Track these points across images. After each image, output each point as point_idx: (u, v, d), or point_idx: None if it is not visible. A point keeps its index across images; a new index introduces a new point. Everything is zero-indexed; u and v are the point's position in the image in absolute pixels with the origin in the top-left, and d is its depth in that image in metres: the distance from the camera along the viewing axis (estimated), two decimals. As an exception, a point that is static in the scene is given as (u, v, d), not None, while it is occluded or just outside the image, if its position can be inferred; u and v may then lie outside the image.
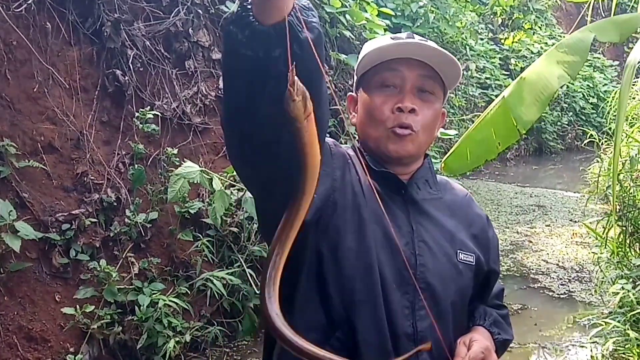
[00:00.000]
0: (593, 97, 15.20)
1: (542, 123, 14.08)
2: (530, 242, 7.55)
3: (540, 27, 15.64)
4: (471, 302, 1.58)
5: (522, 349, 4.87)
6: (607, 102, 10.17)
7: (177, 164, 4.78)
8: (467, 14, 12.01)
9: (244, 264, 4.84)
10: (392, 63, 1.50)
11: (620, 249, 4.98)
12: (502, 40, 14.49)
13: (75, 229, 4.29)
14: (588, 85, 15.21)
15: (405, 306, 1.39)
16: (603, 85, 15.40)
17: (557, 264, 6.77)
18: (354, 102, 1.61)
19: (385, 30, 7.18)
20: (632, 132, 5.36)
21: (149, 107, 4.91)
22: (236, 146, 1.24)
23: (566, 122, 15.03)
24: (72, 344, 4.07)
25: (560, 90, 13.25)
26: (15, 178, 4.18)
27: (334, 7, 6.53)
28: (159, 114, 4.96)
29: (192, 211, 4.81)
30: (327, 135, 1.41)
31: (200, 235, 4.87)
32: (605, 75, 15.97)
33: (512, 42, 14.33)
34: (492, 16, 14.71)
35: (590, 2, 4.53)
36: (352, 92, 1.64)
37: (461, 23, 11.09)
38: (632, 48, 3.05)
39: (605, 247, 5.22)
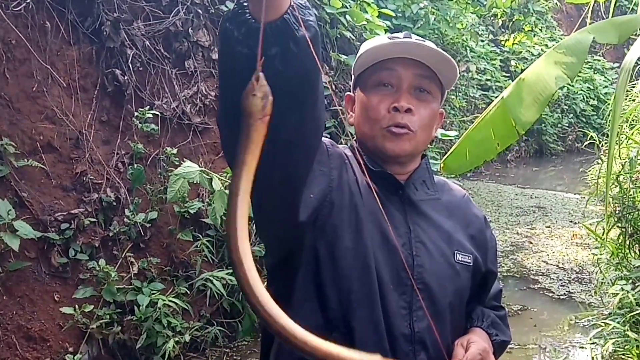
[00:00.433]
0: (593, 99, 15.20)
1: (543, 125, 14.09)
2: (531, 243, 7.55)
3: (540, 29, 15.65)
4: (469, 303, 1.57)
5: (522, 350, 4.87)
6: (608, 104, 10.18)
7: (177, 163, 4.77)
8: (468, 16, 12.00)
9: (243, 264, 4.82)
10: (388, 62, 1.50)
11: (619, 250, 4.97)
12: (503, 42, 14.49)
13: (75, 229, 4.28)
14: (588, 87, 15.22)
15: (403, 307, 1.39)
16: (603, 88, 15.41)
17: (557, 265, 6.77)
18: (351, 101, 1.61)
19: (385, 31, 7.17)
20: (632, 133, 5.35)
21: (148, 106, 4.90)
22: (232, 145, 1.21)
23: (567, 124, 15.03)
24: (71, 343, 4.06)
25: (560, 92, 13.26)
26: (14, 177, 4.18)
27: (335, 8, 6.52)
28: (159, 113, 4.95)
29: (191, 211, 4.80)
30: (327, 135, 1.41)
31: (200, 235, 4.86)
32: (605, 77, 15.97)
33: (513, 44, 14.33)
34: (492, 18, 14.71)
35: (590, 4, 4.53)
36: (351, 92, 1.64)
37: (462, 24, 11.08)
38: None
39: (604, 249, 5.22)
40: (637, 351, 4.09)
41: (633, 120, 5.68)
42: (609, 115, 8.70)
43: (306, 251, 1.39)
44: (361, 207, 1.43)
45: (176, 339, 4.20)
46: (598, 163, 7.73)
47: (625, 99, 5.33)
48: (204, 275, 4.64)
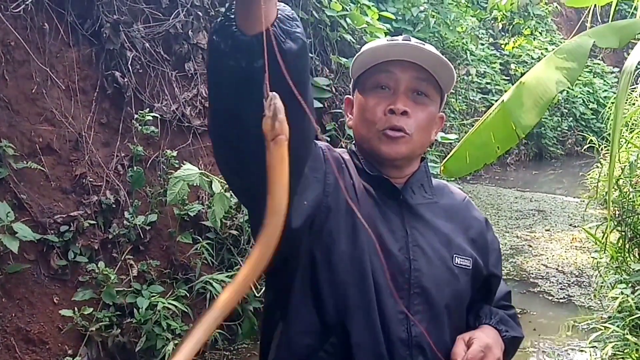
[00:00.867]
0: (593, 103, 15.22)
1: (542, 128, 14.10)
2: (530, 246, 7.55)
3: (540, 33, 15.67)
4: (474, 306, 1.57)
5: (521, 353, 4.86)
6: (607, 107, 10.18)
7: (177, 166, 4.77)
8: (468, 19, 12.03)
9: (243, 267, 4.82)
10: (386, 65, 1.50)
11: (619, 254, 4.97)
12: (503, 46, 14.50)
13: (74, 231, 4.28)
14: (588, 91, 15.24)
15: (400, 311, 1.38)
16: (603, 91, 15.43)
17: (557, 269, 6.77)
18: (350, 104, 1.60)
19: (385, 34, 7.18)
20: (632, 137, 5.35)
21: (148, 109, 4.90)
22: (224, 155, 1.23)
23: (566, 128, 15.04)
24: (70, 346, 4.05)
25: (560, 96, 13.27)
26: (13, 179, 4.17)
27: (335, 11, 6.53)
28: (159, 116, 4.95)
29: (191, 214, 4.80)
30: (327, 139, 1.41)
31: (199, 237, 4.86)
32: (605, 81, 15.99)
33: (513, 48, 14.34)
34: (492, 21, 14.73)
35: (590, 8, 4.53)
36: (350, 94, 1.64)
37: (462, 28, 11.09)
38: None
39: (604, 252, 5.22)
40: (637, 355, 4.08)
41: (633, 124, 5.68)
42: (608, 119, 8.72)
43: (302, 256, 1.39)
44: (357, 210, 1.42)
45: (176, 341, 4.19)
46: (597, 167, 7.73)
47: (625, 103, 5.33)
48: (203, 278, 4.64)
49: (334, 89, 6.43)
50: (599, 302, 5.42)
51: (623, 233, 4.94)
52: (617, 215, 4.95)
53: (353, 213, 1.40)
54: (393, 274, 1.38)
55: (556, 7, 16.18)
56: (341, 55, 6.65)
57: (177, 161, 4.85)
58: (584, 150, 9.64)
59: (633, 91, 5.77)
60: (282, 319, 1.44)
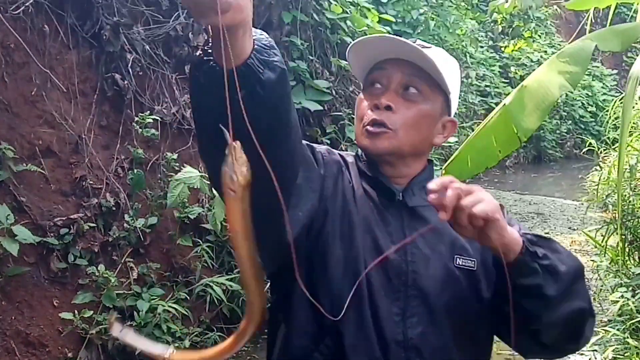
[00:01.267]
0: (592, 106, 15.25)
1: (541, 131, 14.13)
2: (529, 250, 7.54)
3: (539, 36, 15.69)
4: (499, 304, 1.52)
5: (519, 357, 4.84)
6: (606, 111, 10.20)
7: (177, 169, 4.76)
8: (468, 22, 12.05)
9: (243, 270, 4.82)
10: (383, 62, 1.51)
11: (619, 257, 4.97)
12: (503, 48, 14.52)
13: (74, 234, 4.26)
14: (587, 93, 15.27)
15: (396, 313, 1.37)
16: (602, 94, 15.46)
17: (556, 272, 6.75)
18: None
19: (385, 36, 7.17)
20: (632, 140, 5.36)
21: (148, 111, 4.89)
22: (215, 179, 1.23)
23: (565, 131, 15.07)
24: (70, 349, 4.04)
25: (559, 99, 13.30)
26: (13, 182, 4.16)
27: (335, 13, 6.53)
28: (159, 118, 4.94)
29: (191, 216, 4.79)
30: (327, 142, 1.41)
31: (199, 240, 4.85)
32: (604, 84, 16.03)
33: (512, 50, 14.36)
34: (492, 24, 14.75)
35: (590, 11, 4.54)
36: (354, 98, 1.65)
37: (461, 30, 11.12)
38: (632, 57, 3.06)
39: (604, 255, 5.21)
40: (638, 358, 4.08)
41: (633, 127, 5.69)
42: (607, 122, 8.72)
43: (302, 259, 1.37)
44: (355, 214, 1.43)
45: (176, 344, 4.19)
46: (596, 170, 7.73)
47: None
48: (203, 281, 4.63)
49: (334, 92, 6.43)
50: (598, 305, 5.41)
51: (623, 236, 4.94)
52: (617, 219, 4.95)
53: (350, 216, 1.41)
54: (389, 276, 1.38)
55: (556, 10, 16.21)
56: (341, 58, 6.64)
57: (177, 164, 4.85)
58: (583, 153, 9.66)
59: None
60: (284, 321, 1.45)
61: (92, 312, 4.10)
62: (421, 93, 1.48)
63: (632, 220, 4.89)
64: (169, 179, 4.67)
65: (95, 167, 4.62)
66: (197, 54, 1.13)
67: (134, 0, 5.14)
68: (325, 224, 1.39)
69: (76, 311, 4.06)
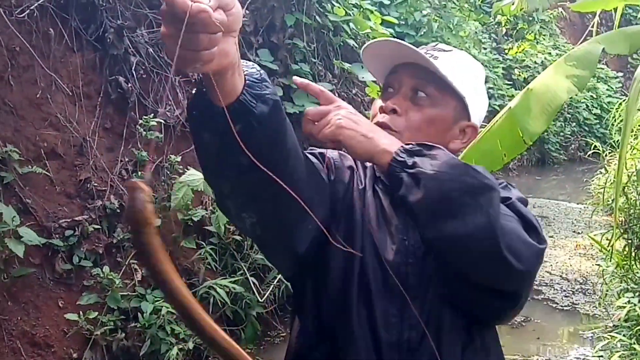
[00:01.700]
0: (596, 108, 15.21)
1: (545, 134, 14.08)
2: (534, 253, 7.52)
3: (543, 37, 15.67)
4: None
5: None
6: (611, 113, 10.18)
7: (181, 171, 4.76)
8: (471, 24, 12.03)
9: (247, 272, 4.83)
10: (397, 66, 1.53)
11: (625, 262, 4.95)
12: (507, 50, 14.50)
13: (79, 235, 4.27)
14: (592, 96, 15.23)
15: (393, 314, 1.36)
16: (607, 97, 15.42)
17: (561, 276, 6.74)
18: None
19: (389, 39, 7.17)
20: (638, 143, 5.34)
21: (152, 114, 4.89)
22: (219, 201, 1.30)
23: (569, 133, 15.03)
24: (75, 349, 4.05)
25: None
26: (18, 184, 4.17)
27: (338, 16, 6.53)
28: (162, 121, 4.94)
29: (195, 219, 4.79)
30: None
31: (203, 243, 4.85)
32: (609, 86, 15.99)
33: (516, 53, 14.34)
34: (496, 26, 14.73)
35: (597, 13, 4.53)
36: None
37: (464, 32, 11.10)
38: (638, 59, 3.05)
39: (610, 260, 5.19)
40: (644, 364, 4.07)
41: (638, 130, 5.67)
42: (612, 124, 8.71)
43: (310, 269, 1.41)
44: (358, 215, 1.43)
45: (180, 346, 4.19)
46: (601, 173, 7.71)
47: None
48: (207, 283, 4.63)
49: (337, 94, 6.42)
50: (604, 310, 5.40)
51: (629, 241, 4.92)
52: (623, 223, 4.93)
53: (353, 216, 1.42)
54: (386, 278, 1.37)
55: (561, 12, 16.19)
56: (344, 60, 6.64)
57: (181, 166, 4.85)
58: (588, 156, 9.63)
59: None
60: (298, 318, 1.49)
61: (96, 313, 4.11)
62: (430, 97, 1.48)
63: (638, 225, 4.87)
64: (173, 182, 4.67)
65: (99, 169, 4.63)
66: (194, 92, 1.16)
67: (137, 3, 5.15)
68: (330, 228, 1.39)
69: (81, 312, 4.06)
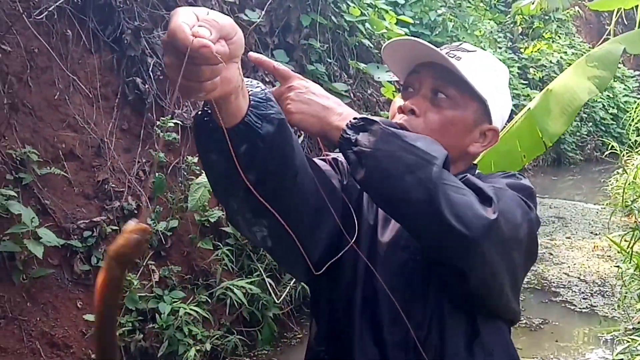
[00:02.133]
0: (613, 108, 15.10)
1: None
2: (551, 254, 7.47)
3: (559, 36, 15.57)
4: None
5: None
6: (628, 112, 10.09)
7: (197, 172, 4.77)
8: (486, 23, 11.97)
9: (263, 273, 4.82)
10: (418, 66, 1.50)
11: (645, 264, 4.90)
12: (522, 50, 14.42)
13: (97, 236, 4.29)
14: (608, 95, 15.12)
15: (398, 314, 1.34)
16: (623, 96, 15.30)
17: (579, 278, 6.68)
18: None
19: (404, 38, 7.14)
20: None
21: (169, 115, 4.91)
22: (230, 217, 1.31)
23: (585, 133, 14.93)
24: (94, 350, 4.05)
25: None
26: (37, 185, 4.19)
27: (353, 16, 6.52)
28: (179, 122, 4.96)
29: (212, 220, 4.80)
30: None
31: (220, 244, 4.86)
32: (626, 85, 15.87)
33: (532, 52, 14.24)
34: (512, 25, 14.65)
35: (614, 12, 4.49)
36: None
37: (480, 32, 11.05)
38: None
39: (630, 262, 5.14)
40: (664, 366, 4.03)
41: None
42: (629, 124, 8.63)
43: (323, 274, 1.38)
44: (366, 216, 1.44)
45: (197, 347, 4.19)
46: (618, 173, 7.64)
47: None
48: (224, 284, 4.64)
49: (352, 95, 6.42)
50: (623, 312, 5.34)
51: (649, 242, 4.87)
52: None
53: (359, 221, 1.40)
54: (396, 275, 1.37)
55: (577, 10, 16.07)
56: (359, 61, 6.63)
57: (197, 167, 4.85)
58: (604, 156, 9.56)
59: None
60: (314, 320, 1.51)
61: (114, 314, 4.12)
62: (450, 99, 1.45)
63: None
64: (190, 183, 4.69)
65: (117, 170, 4.65)
66: (197, 113, 1.15)
67: (154, 4, 5.16)
68: (342, 234, 1.38)
69: (99, 313, 4.07)
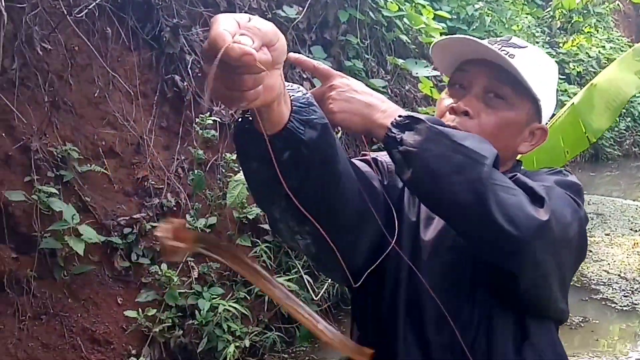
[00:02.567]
0: (652, 102, 14.80)
1: (599, 129, 13.76)
2: (590, 251, 7.34)
3: (597, 30, 15.30)
4: None
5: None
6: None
7: (236, 169, 4.79)
8: (523, 17, 11.81)
9: (301, 270, 4.82)
10: (466, 63, 1.45)
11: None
12: (561, 44, 14.19)
13: (137, 233, 4.33)
14: (647, 89, 14.80)
15: (444, 316, 1.31)
16: (663, 91, 14.96)
17: (619, 275, 6.56)
18: None
19: (441, 34, 7.09)
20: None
21: (208, 112, 4.93)
22: (272, 225, 1.27)
23: (624, 128, 14.67)
24: (134, 346, 4.10)
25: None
26: (77, 182, 4.25)
27: (391, 11, 6.47)
28: (218, 119, 4.98)
29: (250, 217, 4.81)
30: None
31: (258, 240, 4.87)
32: (665, 79, 15.50)
33: (571, 46, 14.01)
34: (550, 19, 14.42)
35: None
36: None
37: (517, 26, 10.90)
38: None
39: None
40: None
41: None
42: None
43: (367, 278, 1.37)
44: (407, 218, 1.41)
45: (236, 343, 4.21)
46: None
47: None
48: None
49: (389, 91, 6.37)
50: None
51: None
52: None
53: (401, 223, 1.37)
54: (443, 275, 1.34)
55: (617, 4, 15.76)
56: (397, 56, 6.59)
57: (235, 164, 4.87)
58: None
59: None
60: (356, 319, 1.49)
61: (155, 310, 4.16)
62: (505, 99, 1.40)
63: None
64: (228, 180, 4.70)
65: (156, 167, 4.69)
66: (238, 120, 1.12)
67: (192, 1, 5.19)
68: (385, 236, 1.35)
69: (140, 309, 4.12)
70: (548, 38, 14.30)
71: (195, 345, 4.21)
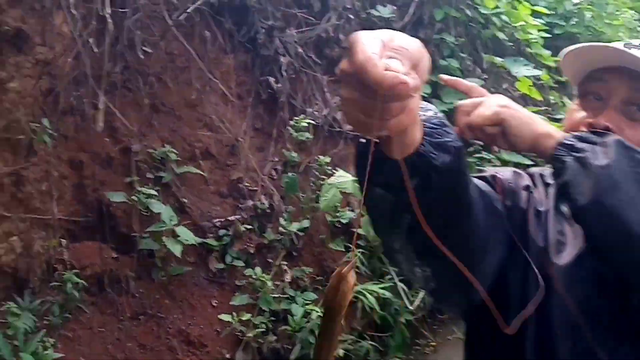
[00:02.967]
0: None
1: None
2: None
3: None
4: None
5: None
6: None
7: (329, 172, 4.71)
8: (625, 12, 11.22)
9: (395, 277, 4.70)
10: (602, 72, 1.30)
11: None
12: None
13: (231, 235, 4.33)
14: None
15: (570, 349, 1.20)
16: None
17: None
18: None
19: (539, 30, 6.80)
20: None
21: (301, 114, 4.88)
22: (389, 255, 1.20)
23: None
24: (228, 350, 4.10)
25: None
26: (175, 183, 4.29)
27: (488, 8, 6.25)
28: (311, 121, 4.92)
29: (343, 221, 4.73)
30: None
31: (351, 245, 4.78)
32: None
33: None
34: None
35: None
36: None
37: (619, 21, 10.36)
38: None
39: None
40: None
41: None
42: None
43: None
44: (535, 242, 1.28)
45: (330, 352, 4.14)
46: None
47: None
48: (355, 288, 4.55)
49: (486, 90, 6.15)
50: None
51: None
52: None
53: (527, 248, 1.26)
54: (565, 314, 1.20)
55: None
56: (493, 54, 6.35)
57: (329, 167, 4.80)
58: None
59: None
60: (468, 332, 1.43)
61: (249, 314, 4.13)
62: None
63: None
64: (321, 182, 4.63)
65: (250, 169, 4.68)
66: (361, 141, 1.01)
67: (287, 3, 5.16)
68: (508, 262, 1.26)
69: (234, 313, 4.11)
70: (654, 33, 13.58)
71: (288, 351, 4.16)
